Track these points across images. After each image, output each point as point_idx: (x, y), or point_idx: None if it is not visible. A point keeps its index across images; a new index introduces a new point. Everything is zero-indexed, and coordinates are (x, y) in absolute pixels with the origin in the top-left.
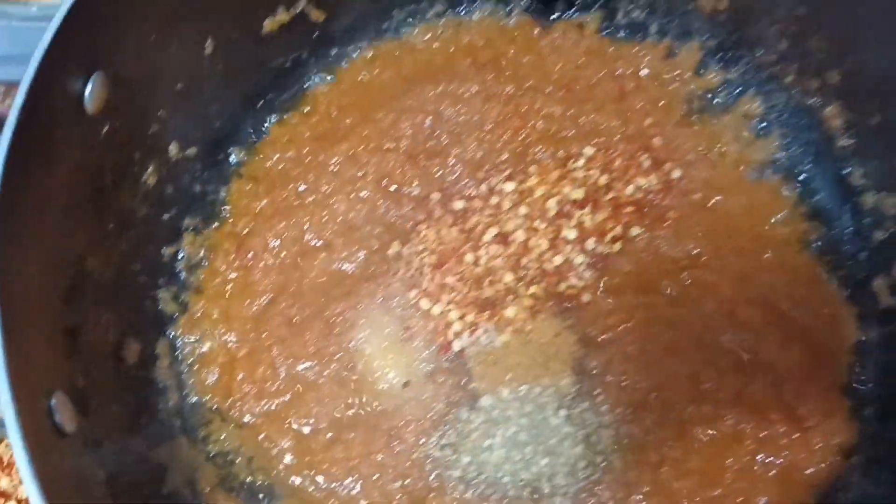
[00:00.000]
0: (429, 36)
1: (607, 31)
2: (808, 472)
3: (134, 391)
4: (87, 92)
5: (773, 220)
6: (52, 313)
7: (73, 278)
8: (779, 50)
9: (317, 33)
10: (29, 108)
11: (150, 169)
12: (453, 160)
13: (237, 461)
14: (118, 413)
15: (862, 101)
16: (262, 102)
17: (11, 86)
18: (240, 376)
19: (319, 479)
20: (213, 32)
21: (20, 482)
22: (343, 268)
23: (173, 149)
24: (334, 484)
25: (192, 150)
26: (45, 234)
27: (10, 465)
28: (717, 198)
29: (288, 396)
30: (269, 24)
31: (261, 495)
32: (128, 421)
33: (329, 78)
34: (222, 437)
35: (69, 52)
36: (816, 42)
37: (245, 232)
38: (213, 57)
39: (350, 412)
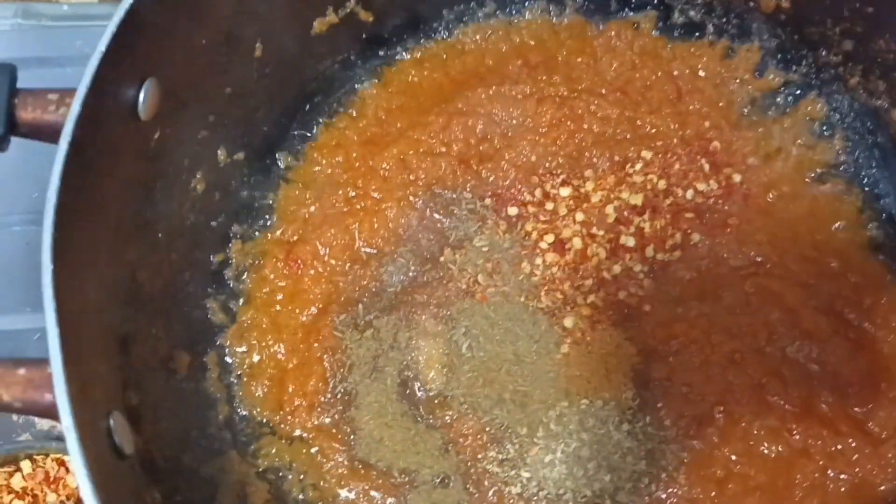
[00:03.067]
0: (478, 37)
1: (663, 30)
2: (881, 488)
3: (184, 405)
4: (140, 99)
5: (837, 226)
6: (105, 329)
7: (124, 292)
8: (843, 50)
9: (365, 34)
10: (85, 119)
11: (199, 175)
12: (506, 164)
13: (289, 477)
14: (169, 429)
15: None
16: (309, 106)
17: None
18: (290, 389)
19: (375, 494)
20: (262, 34)
21: (67, 498)
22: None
23: (221, 154)
24: (390, 500)
25: (239, 155)
26: (99, 248)
27: (58, 480)
28: (779, 203)
29: (340, 409)
30: (318, 26)
31: None
32: (179, 436)
33: (377, 80)
34: (273, 451)
35: (123, 59)
36: (884, 42)
37: (294, 239)
38: (262, 60)
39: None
